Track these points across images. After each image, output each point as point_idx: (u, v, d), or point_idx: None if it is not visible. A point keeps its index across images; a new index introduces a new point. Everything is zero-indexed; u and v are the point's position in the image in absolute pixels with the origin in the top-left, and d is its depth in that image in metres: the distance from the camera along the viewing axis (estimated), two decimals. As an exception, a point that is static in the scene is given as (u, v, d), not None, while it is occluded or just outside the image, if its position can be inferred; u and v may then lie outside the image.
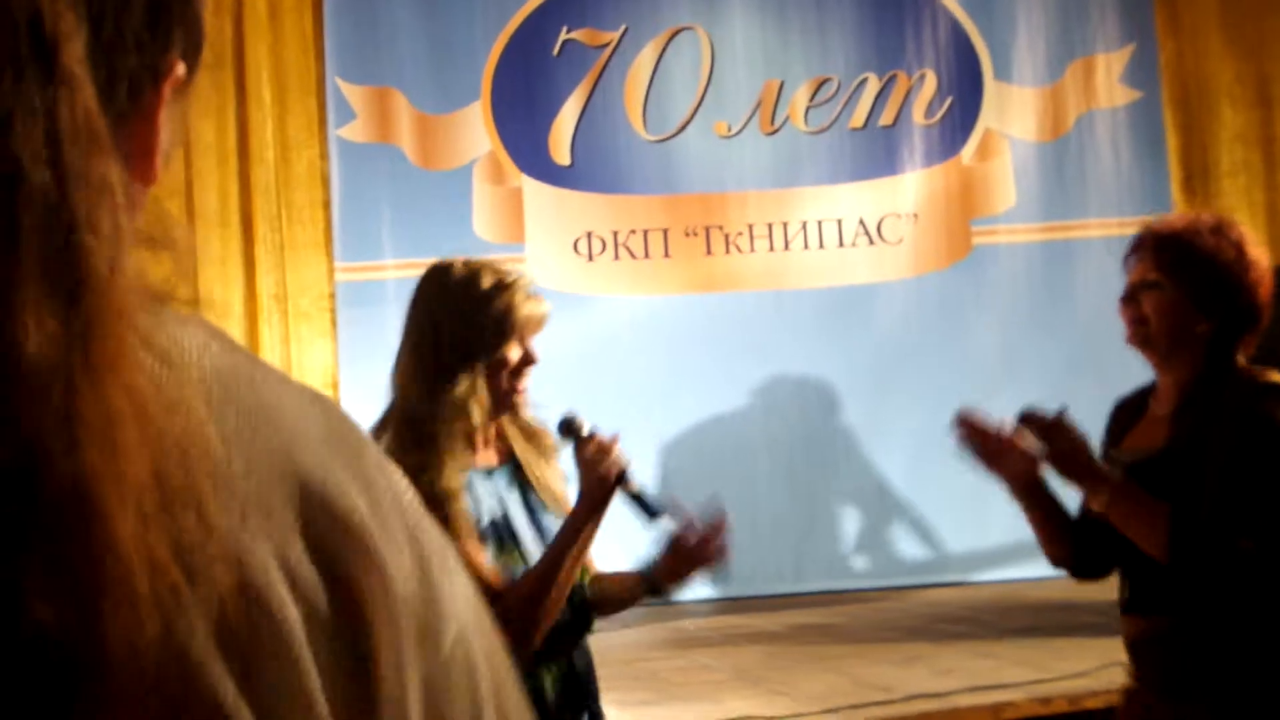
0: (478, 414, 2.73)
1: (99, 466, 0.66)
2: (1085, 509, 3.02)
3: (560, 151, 7.68)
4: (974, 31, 8.03)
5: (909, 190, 7.97)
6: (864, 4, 7.99)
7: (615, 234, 7.70)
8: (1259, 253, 2.90)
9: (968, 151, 8.03)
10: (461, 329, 2.75)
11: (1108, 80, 8.11)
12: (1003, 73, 8.06)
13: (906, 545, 7.71)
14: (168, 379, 0.71)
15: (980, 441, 3.04)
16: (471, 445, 2.74)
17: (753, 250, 7.82)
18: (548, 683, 2.70)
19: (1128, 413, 3.05)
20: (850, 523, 7.70)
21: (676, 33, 7.84)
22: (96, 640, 0.65)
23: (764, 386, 7.77)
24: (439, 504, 2.57)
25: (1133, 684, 2.94)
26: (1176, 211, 7.31)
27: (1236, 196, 8.04)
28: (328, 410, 0.79)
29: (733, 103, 7.87)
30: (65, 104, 0.69)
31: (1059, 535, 3.04)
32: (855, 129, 7.95)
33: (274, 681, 0.69)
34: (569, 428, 2.80)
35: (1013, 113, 8.07)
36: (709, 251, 7.78)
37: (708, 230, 7.78)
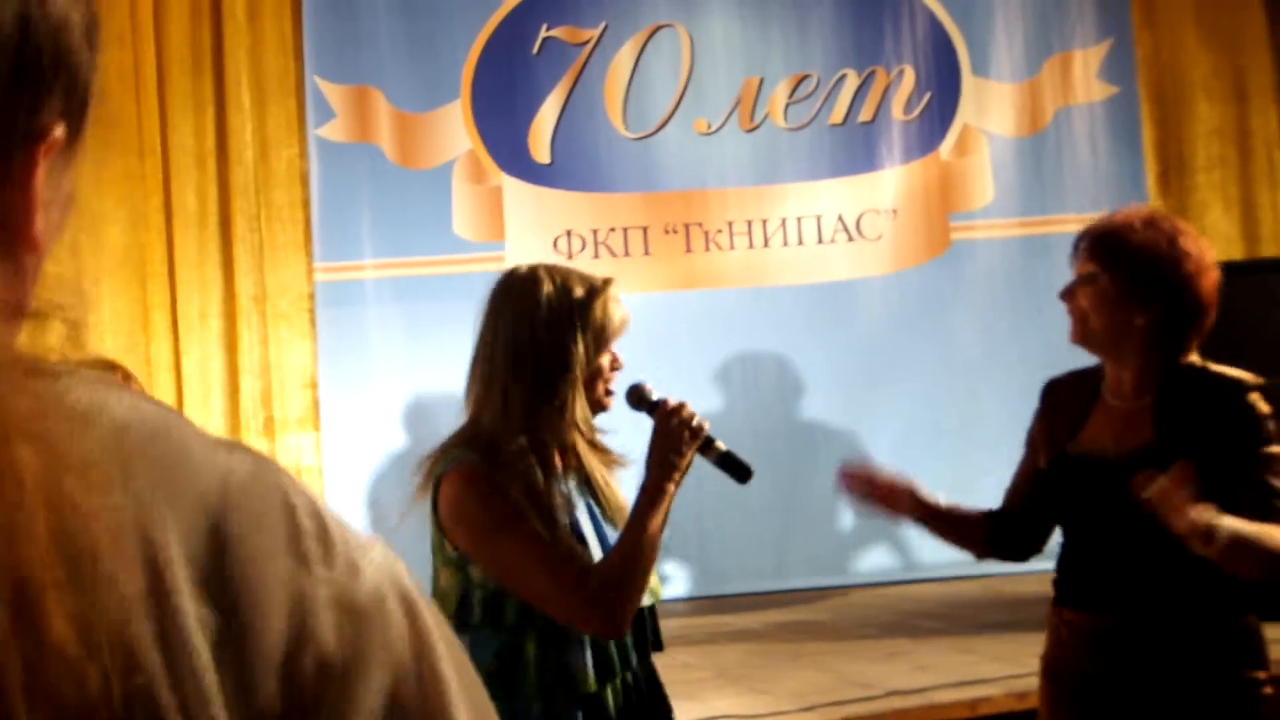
0: (581, 426, 2.70)
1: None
2: (1010, 501, 3.07)
3: (540, 150, 7.68)
4: (952, 27, 8.06)
5: (888, 186, 7.99)
6: (843, 1, 8.01)
7: (595, 232, 7.71)
8: (1195, 245, 2.92)
9: (946, 147, 8.05)
10: (559, 340, 2.68)
11: (1085, 75, 8.14)
12: (980, 68, 8.08)
13: (886, 541, 7.72)
14: (76, 438, 0.68)
15: (866, 490, 3.08)
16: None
17: (733, 247, 7.83)
18: (609, 697, 2.64)
19: (1077, 400, 3.06)
20: (831, 519, 7.72)
21: (656, 30, 7.85)
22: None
23: (745, 383, 7.79)
24: (547, 517, 2.56)
25: (1064, 662, 2.96)
26: (1153, 205, 7.35)
27: (1212, 191, 8.08)
28: (241, 457, 0.76)
29: (712, 100, 7.88)
30: None
31: (972, 537, 3.09)
32: (834, 125, 7.96)
33: None
34: (639, 396, 2.77)
35: (991, 108, 8.09)
36: (689, 249, 7.79)
37: (688, 227, 7.79)
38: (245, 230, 7.44)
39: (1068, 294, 3.01)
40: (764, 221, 7.86)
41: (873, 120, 8.00)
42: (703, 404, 7.48)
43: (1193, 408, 2.84)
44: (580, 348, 2.68)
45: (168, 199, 7.38)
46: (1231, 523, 2.58)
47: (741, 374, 7.79)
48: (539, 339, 2.67)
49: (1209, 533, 2.56)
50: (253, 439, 7.21)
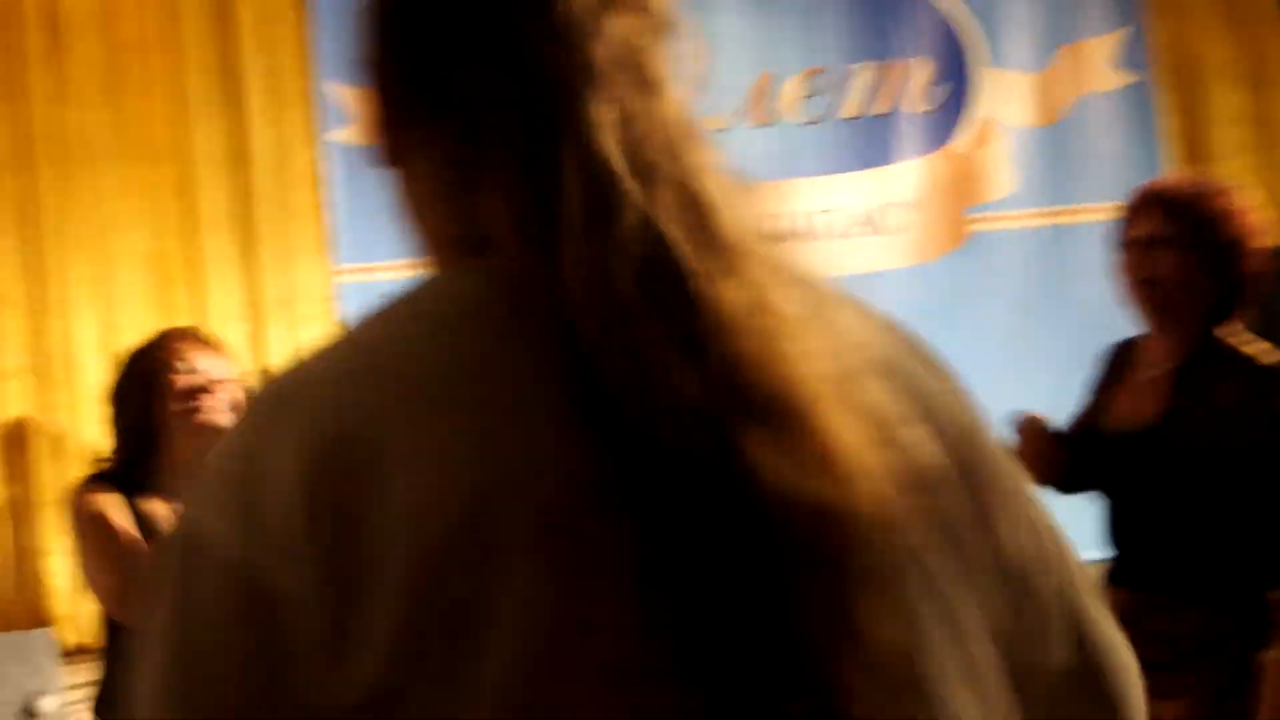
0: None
1: (786, 376, 0.84)
2: (1077, 428, 3.05)
3: (556, 149, 7.68)
4: (966, 18, 8.04)
5: (905, 179, 7.98)
6: (856, -6, 8.00)
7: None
8: (1258, 219, 2.91)
9: (963, 139, 8.04)
10: None
11: (1102, 64, 8.12)
12: (996, 59, 8.07)
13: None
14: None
15: (1037, 445, 3.05)
16: None
17: (751, 243, 7.82)
18: None
19: (1113, 370, 3.04)
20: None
21: (669, 27, 7.84)
22: (820, 499, 0.80)
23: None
24: None
25: None
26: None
27: (1232, 178, 8.04)
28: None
29: (725, 96, 7.87)
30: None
31: (1053, 464, 3.07)
32: (849, 119, 7.96)
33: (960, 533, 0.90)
34: None
35: (1007, 99, 8.07)
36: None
37: (706, 224, 7.79)
38: (266, 234, 7.47)
39: (1138, 250, 2.95)
40: (781, 216, 7.85)
41: (888, 113, 7.99)
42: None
43: (1216, 383, 2.82)
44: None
45: (190, 205, 7.42)
46: None
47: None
48: None
49: None
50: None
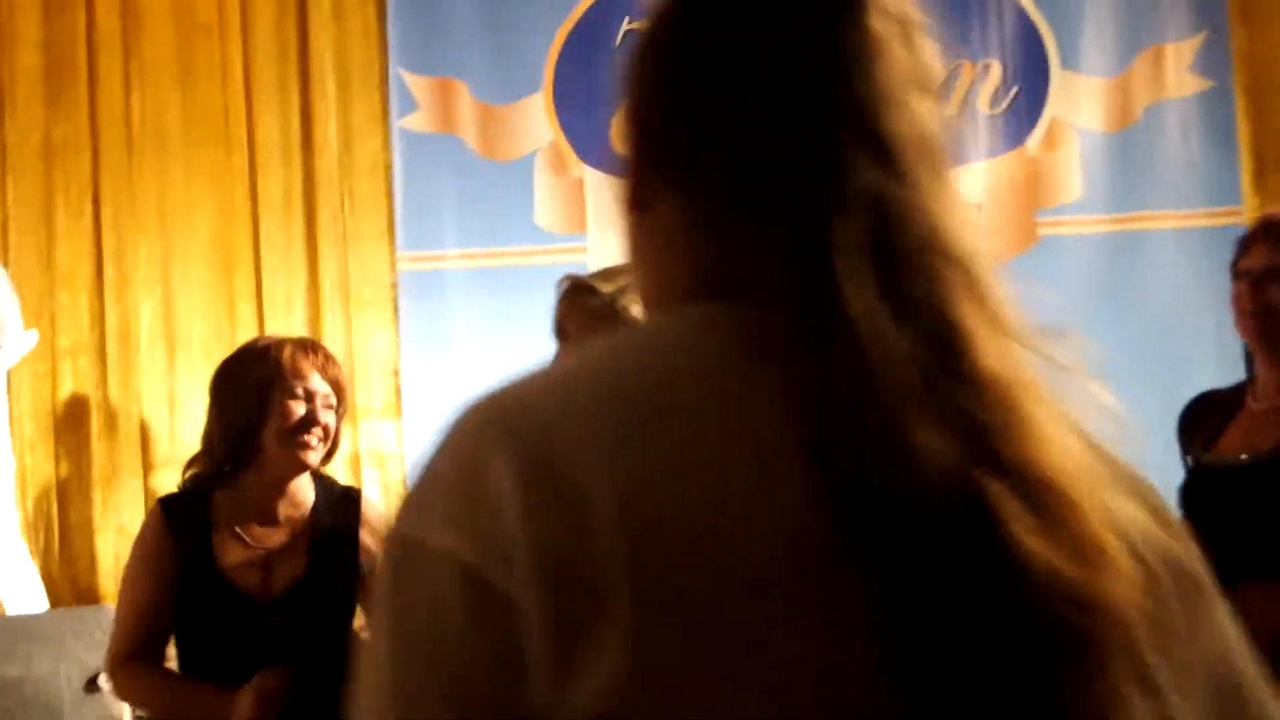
0: None
1: (1048, 458, 0.84)
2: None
3: (621, 141, 7.64)
4: (1041, 20, 7.94)
5: (975, 180, 7.89)
6: (929, -7, 7.91)
7: (677, 224, 7.67)
8: None
9: (1034, 141, 7.94)
10: None
11: (1178, 69, 7.99)
12: (1070, 62, 7.96)
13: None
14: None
15: None
16: None
17: (817, 241, 7.76)
18: None
19: (1219, 410, 2.96)
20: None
21: (739, 23, 7.80)
22: (1086, 588, 0.80)
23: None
24: None
25: None
26: (1247, 204, 7.23)
27: (1308, 188, 7.90)
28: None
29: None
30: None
31: None
32: (920, 119, 7.87)
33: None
34: None
35: (1080, 102, 7.96)
36: (772, 242, 7.73)
37: (771, 221, 7.73)
38: (329, 220, 7.50)
39: (1256, 284, 2.88)
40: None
41: (959, 114, 7.90)
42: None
43: None
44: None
45: (254, 189, 7.46)
46: None
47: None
48: None
49: None
50: (335, 427, 7.28)
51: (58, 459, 6.84)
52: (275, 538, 2.95)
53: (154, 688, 2.84)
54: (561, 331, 2.66)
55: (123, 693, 2.90)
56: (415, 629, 0.83)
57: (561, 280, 2.71)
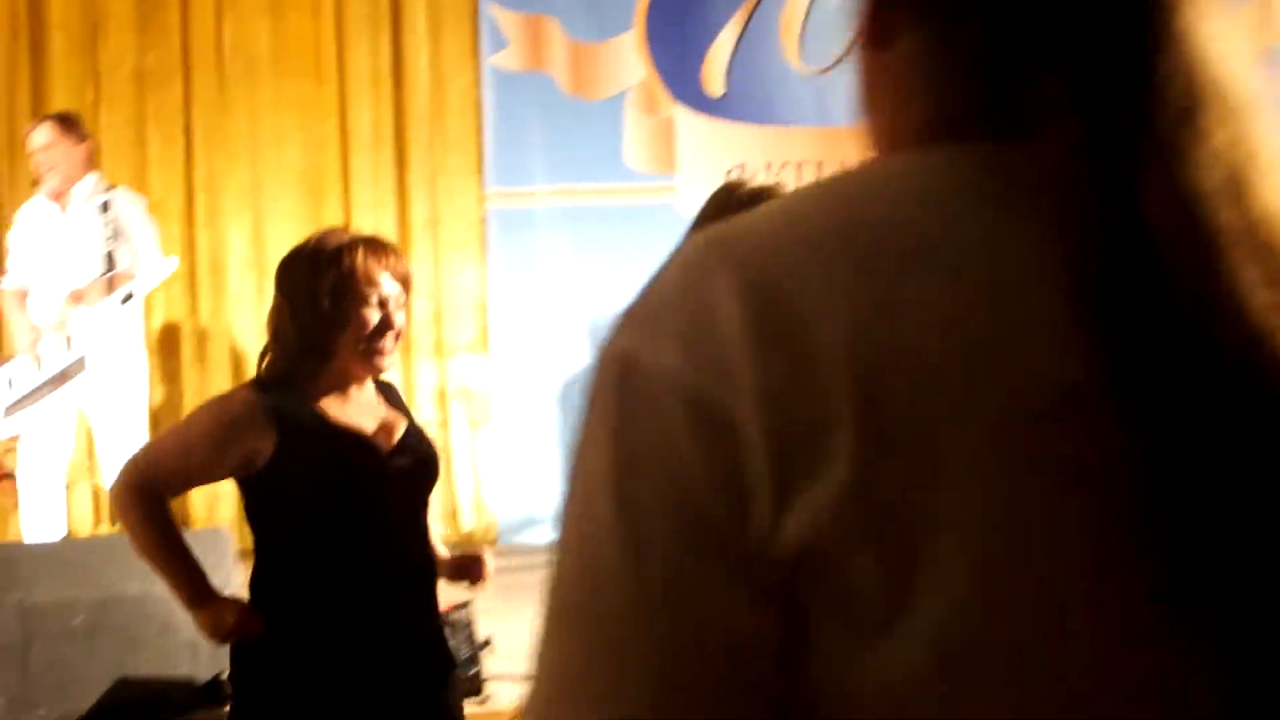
0: None
1: None
2: None
3: (714, 81, 7.58)
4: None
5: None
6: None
7: (768, 166, 7.60)
8: None
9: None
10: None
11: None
12: None
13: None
14: None
15: None
16: None
17: (906, 187, 7.66)
18: None
19: None
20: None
21: (835, -38, 7.69)
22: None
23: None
24: None
25: None
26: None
27: None
28: None
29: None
30: None
31: None
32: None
33: None
34: None
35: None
36: (861, 185, 7.63)
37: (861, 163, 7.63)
38: (419, 155, 7.50)
39: None
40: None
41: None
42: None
43: None
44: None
45: (344, 123, 7.47)
46: None
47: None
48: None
49: None
50: (423, 360, 7.31)
51: (151, 386, 6.92)
52: (364, 412, 2.97)
53: (155, 528, 2.84)
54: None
55: (123, 512, 2.90)
56: (639, 448, 0.80)
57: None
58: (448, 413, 7.33)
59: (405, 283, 2.96)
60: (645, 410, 0.80)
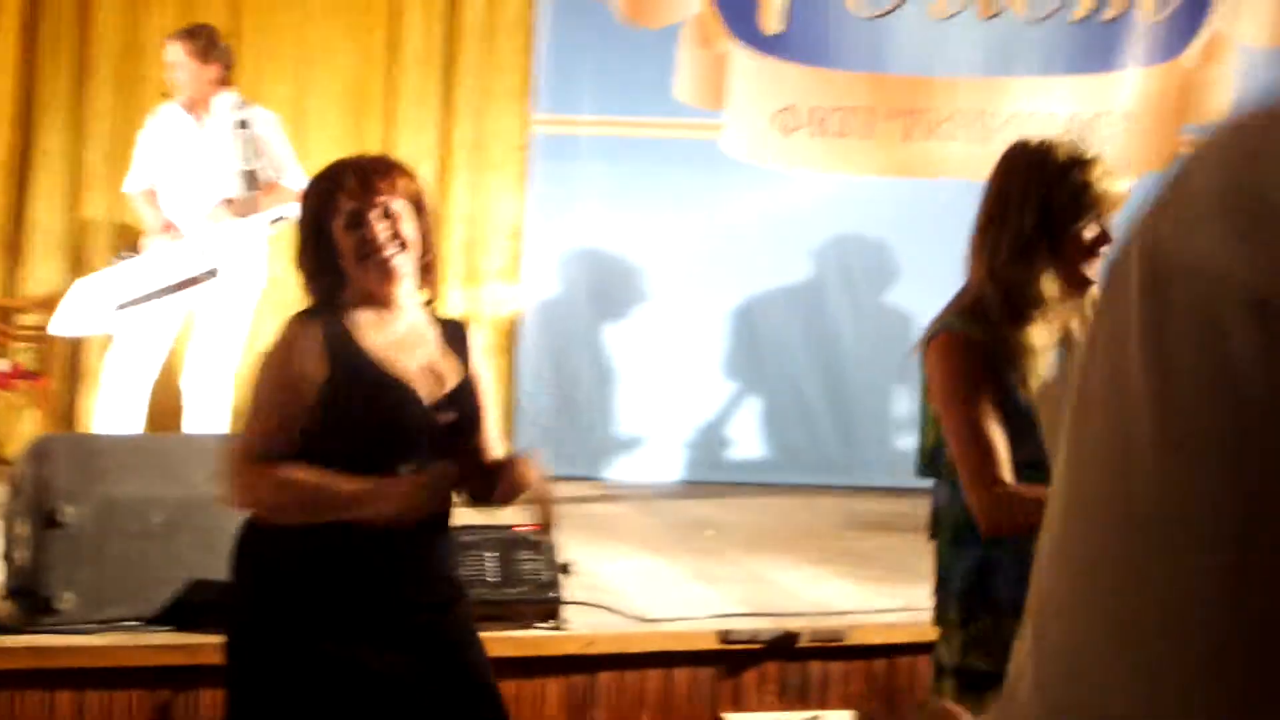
0: (1050, 290, 2.90)
1: None
2: None
3: (771, 19, 7.49)
4: (1214, -73, 7.63)
5: (1124, 89, 7.65)
6: (1100, -110, 7.62)
7: (817, 109, 7.52)
8: None
9: (1191, 53, 7.66)
10: (1037, 204, 2.90)
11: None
12: (1240, -29, 7.64)
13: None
14: None
15: None
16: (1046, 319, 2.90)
17: (955, 138, 7.58)
18: None
19: None
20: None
21: (900, -96, 7.57)
22: None
23: (955, 278, 7.59)
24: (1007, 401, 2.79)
25: None
26: None
27: None
28: None
29: (953, -18, 7.59)
30: None
31: None
32: (1077, 21, 7.63)
33: None
34: None
35: (1245, 16, 7.66)
36: (909, 136, 7.57)
37: (912, 113, 7.56)
38: (467, 75, 7.45)
39: None
40: (991, 114, 7.60)
41: (1117, 19, 7.64)
42: (908, 297, 7.34)
43: None
44: (1058, 211, 2.87)
45: (392, 36, 7.42)
46: None
47: (951, 268, 7.59)
48: (1011, 198, 2.94)
49: None
50: (453, 285, 7.27)
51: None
52: (415, 353, 2.96)
53: (288, 481, 2.81)
54: None
55: (248, 491, 2.88)
56: (1182, 364, 0.70)
57: None
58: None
59: (415, 200, 2.95)
60: (1187, 321, 0.71)
